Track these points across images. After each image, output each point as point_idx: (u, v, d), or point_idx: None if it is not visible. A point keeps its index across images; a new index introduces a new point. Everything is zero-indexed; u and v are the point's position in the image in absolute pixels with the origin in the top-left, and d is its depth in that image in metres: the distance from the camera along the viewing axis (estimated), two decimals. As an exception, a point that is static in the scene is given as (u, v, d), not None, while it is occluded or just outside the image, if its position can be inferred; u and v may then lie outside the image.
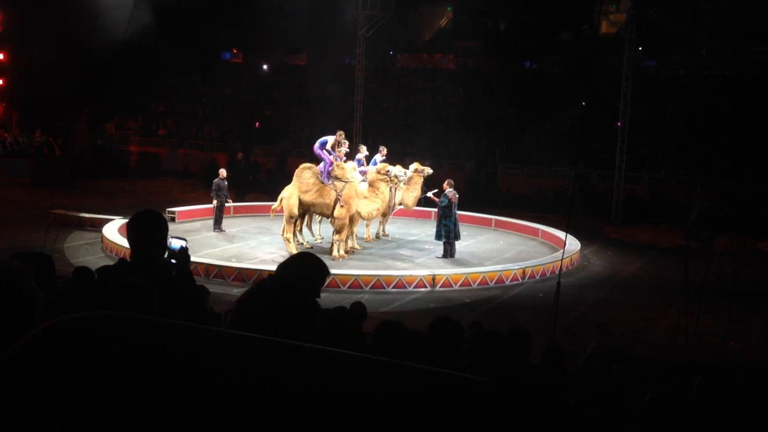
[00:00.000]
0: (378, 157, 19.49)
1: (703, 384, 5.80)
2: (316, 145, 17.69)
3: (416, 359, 4.03)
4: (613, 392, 5.58)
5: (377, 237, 19.93)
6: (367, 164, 19.14)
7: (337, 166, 17.25)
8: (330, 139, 17.59)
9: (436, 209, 17.94)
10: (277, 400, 1.39)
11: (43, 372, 1.34)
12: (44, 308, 2.04)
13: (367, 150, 19.63)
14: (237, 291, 13.10)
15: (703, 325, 7.54)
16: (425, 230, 20.84)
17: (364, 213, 17.41)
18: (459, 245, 18.06)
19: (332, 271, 15.04)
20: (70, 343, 1.36)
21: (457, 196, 17.80)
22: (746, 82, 30.34)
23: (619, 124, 26.02)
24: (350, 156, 18.59)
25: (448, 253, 17.69)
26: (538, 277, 16.57)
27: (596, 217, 25.00)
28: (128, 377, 1.33)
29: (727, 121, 28.31)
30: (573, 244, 18.93)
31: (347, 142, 18.11)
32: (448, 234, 17.57)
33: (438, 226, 17.75)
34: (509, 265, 16.91)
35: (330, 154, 17.39)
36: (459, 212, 18.26)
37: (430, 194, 18.31)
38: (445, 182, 17.93)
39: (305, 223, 18.77)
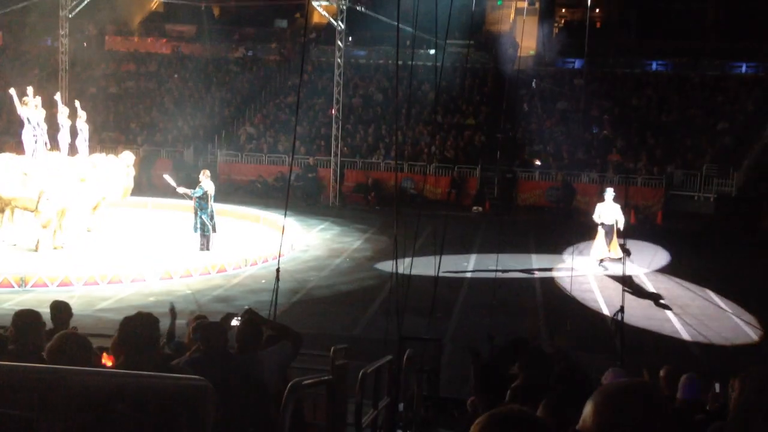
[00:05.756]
0: (81, 123, 18.35)
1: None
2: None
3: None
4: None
5: (88, 231, 18.76)
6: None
7: (45, 155, 16.01)
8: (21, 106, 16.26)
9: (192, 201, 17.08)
10: None
11: None
12: None
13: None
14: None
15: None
16: (132, 222, 20.04)
17: (73, 205, 16.28)
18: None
19: (38, 268, 13.97)
20: None
21: (213, 187, 17.22)
22: (446, 72, 32.75)
23: (332, 111, 26.91)
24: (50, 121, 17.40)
25: (205, 246, 17.03)
26: (260, 264, 16.64)
27: (316, 202, 26.00)
28: None
29: (432, 108, 30.50)
30: (295, 228, 19.31)
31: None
32: (203, 227, 16.91)
33: (195, 219, 17.05)
34: (231, 253, 16.77)
35: (29, 122, 16.07)
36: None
37: (182, 190, 17.30)
38: (202, 172, 17.36)
39: (6, 218, 17.17)
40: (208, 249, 17.01)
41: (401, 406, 7.30)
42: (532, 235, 21.42)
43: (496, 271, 14.04)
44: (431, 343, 9.03)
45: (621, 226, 16.72)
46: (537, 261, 18.27)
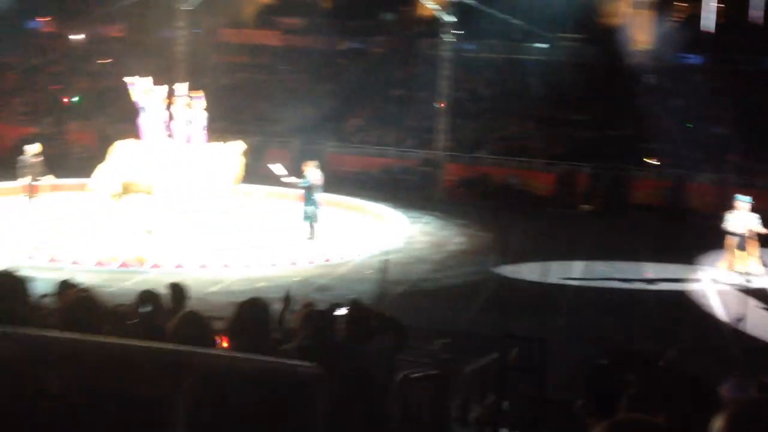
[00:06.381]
0: (199, 112, 18.61)
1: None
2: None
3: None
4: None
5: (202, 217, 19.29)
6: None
7: (163, 142, 16.63)
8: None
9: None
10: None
11: None
12: None
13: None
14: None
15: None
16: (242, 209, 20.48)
17: (186, 192, 16.83)
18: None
19: (154, 251, 14.48)
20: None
21: (321, 178, 17.36)
22: (556, 67, 32.05)
23: (441, 105, 26.84)
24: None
25: (312, 235, 17.17)
26: (365, 255, 16.70)
27: (422, 196, 25.78)
28: None
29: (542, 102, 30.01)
30: (399, 221, 19.35)
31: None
32: (310, 216, 17.17)
33: (304, 208, 17.36)
34: (338, 243, 16.96)
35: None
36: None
37: (288, 179, 17.51)
38: (306, 163, 17.59)
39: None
40: (314, 238, 17.20)
41: (506, 405, 7.18)
42: (646, 237, 20.39)
43: (611, 279, 13.70)
44: (537, 343, 8.84)
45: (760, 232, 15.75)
46: (654, 268, 17.28)
